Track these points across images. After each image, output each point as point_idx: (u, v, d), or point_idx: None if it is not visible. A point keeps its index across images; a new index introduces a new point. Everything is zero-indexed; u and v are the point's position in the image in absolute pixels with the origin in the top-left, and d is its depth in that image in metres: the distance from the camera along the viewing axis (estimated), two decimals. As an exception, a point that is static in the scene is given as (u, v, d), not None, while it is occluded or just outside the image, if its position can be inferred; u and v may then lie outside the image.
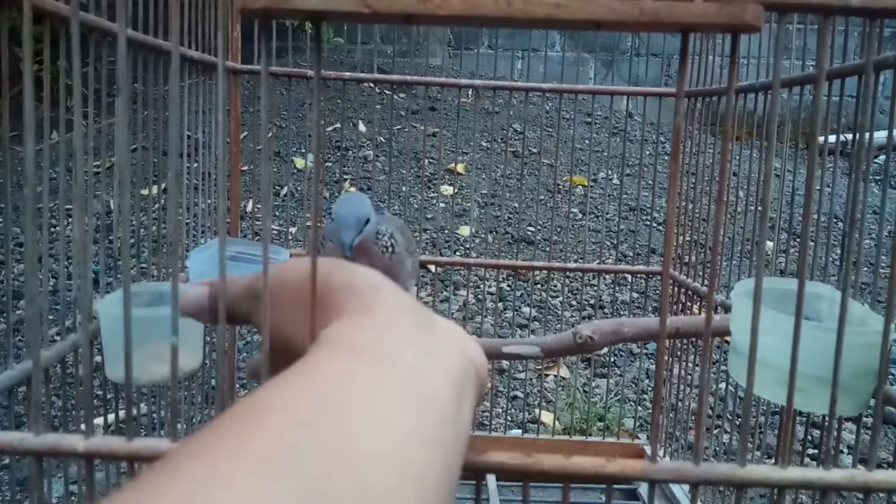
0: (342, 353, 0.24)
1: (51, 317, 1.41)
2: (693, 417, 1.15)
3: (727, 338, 0.64)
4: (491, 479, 1.08)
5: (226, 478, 0.17)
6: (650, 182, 2.36)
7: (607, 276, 1.81)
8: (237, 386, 1.33)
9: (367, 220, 0.74)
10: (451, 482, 0.22)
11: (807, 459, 1.36)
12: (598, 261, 2.05)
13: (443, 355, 0.26)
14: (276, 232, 2.22)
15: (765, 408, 1.01)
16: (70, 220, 0.73)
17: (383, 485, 0.19)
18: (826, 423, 0.39)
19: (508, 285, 2.16)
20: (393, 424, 0.21)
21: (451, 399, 0.24)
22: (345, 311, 0.27)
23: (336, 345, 0.24)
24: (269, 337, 0.29)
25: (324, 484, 0.18)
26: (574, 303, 2.00)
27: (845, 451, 1.42)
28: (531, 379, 1.76)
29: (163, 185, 1.23)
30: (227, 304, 0.31)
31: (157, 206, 0.88)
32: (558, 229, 2.21)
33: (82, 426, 0.29)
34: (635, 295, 2.06)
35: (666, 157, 2.42)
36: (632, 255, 2.24)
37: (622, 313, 1.98)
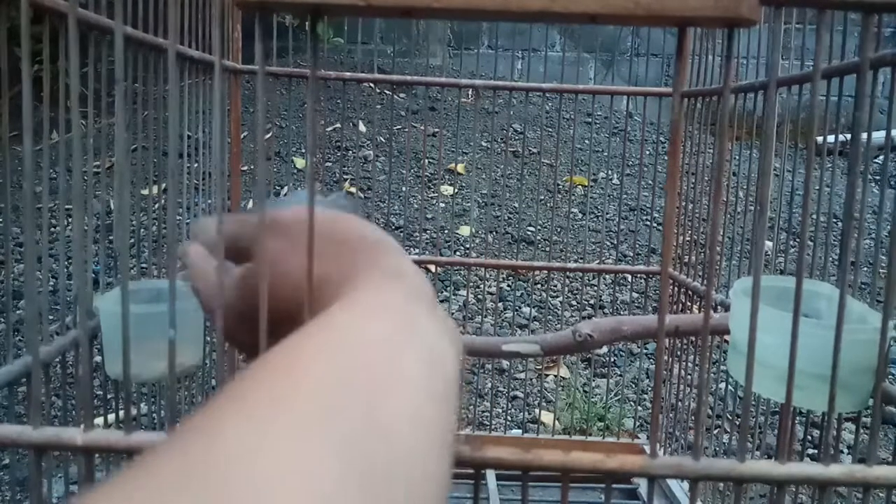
0: (376, 314, 0.25)
1: (51, 316, 1.41)
2: (693, 417, 1.15)
3: (727, 337, 0.64)
4: (490, 478, 1.08)
5: (272, 437, 0.17)
6: (650, 182, 2.36)
7: (607, 276, 1.81)
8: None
9: None
10: (451, 438, 0.24)
11: (806, 459, 1.36)
12: (598, 261, 2.05)
13: (447, 328, 0.27)
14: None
15: (764, 407, 1.01)
16: (70, 219, 0.73)
17: (404, 437, 0.20)
18: (825, 421, 0.39)
19: (508, 285, 2.16)
20: (414, 387, 0.22)
21: (453, 364, 0.26)
22: (377, 266, 0.28)
23: (370, 303, 0.26)
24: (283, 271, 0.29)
25: (359, 440, 0.18)
26: (574, 303, 2.00)
27: (845, 450, 1.42)
28: (531, 379, 1.76)
29: (163, 185, 1.24)
30: (235, 236, 0.31)
31: (157, 205, 0.89)
32: (558, 229, 2.21)
33: (82, 423, 0.29)
34: (635, 295, 2.06)
35: (666, 157, 2.42)
36: (632, 255, 2.24)
37: (622, 313, 1.98)
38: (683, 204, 1.15)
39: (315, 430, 0.18)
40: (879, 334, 0.37)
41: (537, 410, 1.60)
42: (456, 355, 0.26)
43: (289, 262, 0.29)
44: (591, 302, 2.06)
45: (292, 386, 0.20)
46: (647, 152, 2.66)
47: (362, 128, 2.80)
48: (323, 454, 0.17)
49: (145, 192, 0.84)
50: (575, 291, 1.96)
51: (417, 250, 1.32)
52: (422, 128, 2.02)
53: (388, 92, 2.60)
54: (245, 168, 2.22)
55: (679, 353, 1.13)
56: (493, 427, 1.46)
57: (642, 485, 1.14)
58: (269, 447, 0.17)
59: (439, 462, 0.21)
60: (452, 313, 1.78)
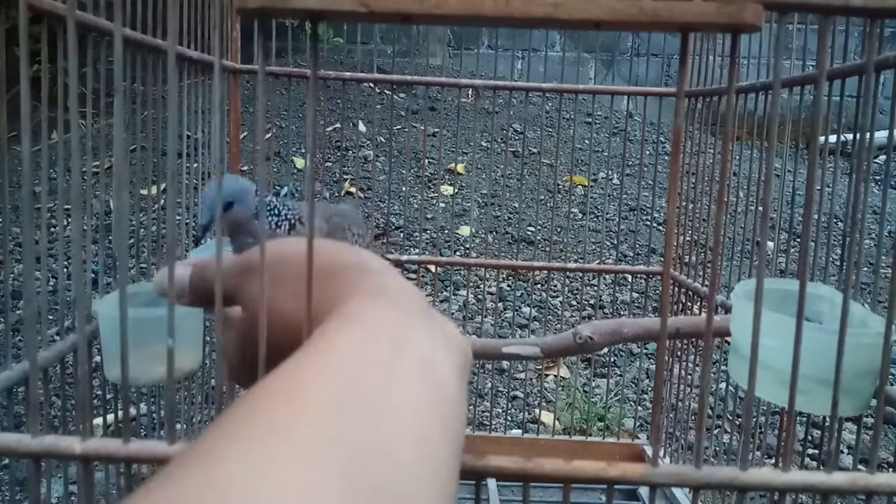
0: (367, 335, 0.24)
1: (51, 317, 1.41)
2: (693, 417, 1.15)
3: (727, 338, 0.64)
4: (491, 480, 1.08)
5: (274, 461, 0.17)
6: (650, 182, 2.36)
7: (607, 276, 1.81)
8: (237, 386, 1.33)
9: (231, 204, 0.75)
10: (457, 460, 0.24)
11: (807, 459, 1.36)
12: (598, 261, 2.05)
13: (448, 343, 0.27)
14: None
15: (765, 408, 1.01)
16: (69, 219, 0.73)
17: (406, 463, 0.20)
18: (827, 424, 0.38)
19: (508, 285, 2.16)
20: (412, 407, 0.22)
21: (457, 384, 0.25)
22: (359, 289, 0.28)
23: (359, 324, 0.25)
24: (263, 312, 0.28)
25: (361, 466, 0.18)
26: (574, 303, 2.00)
27: (846, 451, 1.42)
28: (531, 379, 1.76)
29: (162, 186, 1.23)
30: (211, 283, 0.31)
31: (156, 206, 0.88)
32: (558, 229, 2.21)
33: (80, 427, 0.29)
34: (635, 295, 2.06)
35: (666, 157, 2.42)
36: (632, 255, 2.23)
37: (622, 313, 1.98)
38: (684, 204, 1.15)
39: (317, 455, 0.18)
40: (881, 338, 0.37)
41: (537, 410, 1.60)
42: (454, 362, 0.26)
43: (274, 301, 0.29)
44: (591, 302, 2.06)
45: (293, 411, 0.19)
46: (647, 152, 2.66)
47: (362, 128, 2.80)
48: (326, 479, 0.17)
49: (145, 192, 0.84)
50: (575, 291, 1.96)
51: (417, 250, 1.31)
52: (422, 128, 2.02)
53: (388, 92, 2.60)
54: (245, 168, 2.21)
55: (679, 353, 1.13)
56: (493, 427, 1.46)
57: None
58: (273, 473, 0.17)
59: (444, 480, 0.21)
60: (452, 313, 1.78)
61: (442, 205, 2.33)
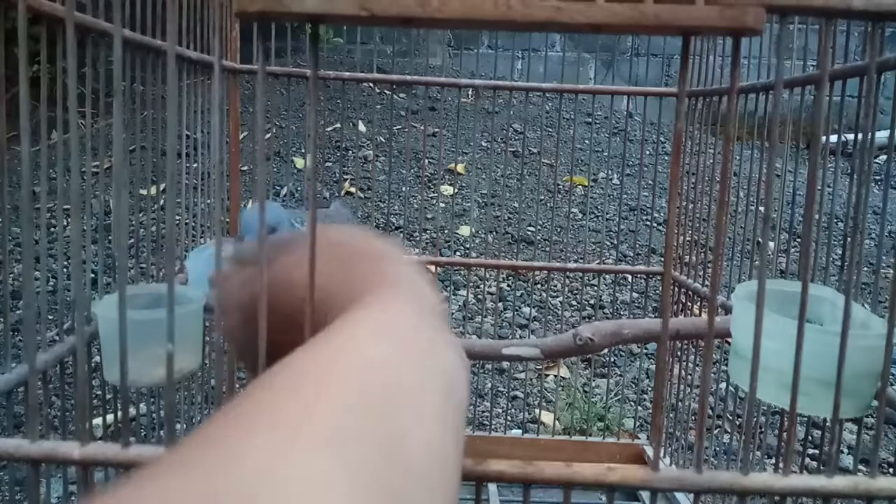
0: (387, 331, 0.25)
1: (50, 317, 1.41)
2: (693, 418, 1.15)
3: (727, 338, 0.64)
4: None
5: (286, 456, 0.17)
6: (650, 182, 2.36)
7: (607, 277, 1.81)
8: (237, 386, 1.33)
9: (274, 230, 0.78)
10: (460, 466, 0.24)
11: (807, 460, 1.36)
12: (598, 261, 2.05)
13: (458, 350, 0.27)
14: (275, 232, 2.22)
15: (765, 408, 1.00)
16: (69, 219, 0.73)
17: (419, 465, 0.20)
18: (828, 426, 0.38)
19: (508, 285, 2.16)
20: (428, 412, 0.22)
21: (465, 388, 0.26)
22: (384, 279, 0.28)
23: (381, 320, 0.25)
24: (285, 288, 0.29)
25: (375, 466, 0.18)
26: (574, 303, 2.00)
27: (846, 451, 1.41)
28: (531, 379, 1.76)
29: (162, 186, 1.23)
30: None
31: (156, 206, 0.88)
32: (558, 229, 2.21)
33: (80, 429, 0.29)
34: (635, 295, 2.06)
35: (666, 157, 2.42)
36: (632, 255, 2.23)
37: (622, 313, 1.98)
38: (684, 204, 1.15)
39: (330, 452, 0.18)
40: (882, 340, 0.37)
41: (537, 410, 1.60)
42: (467, 378, 0.26)
43: (293, 274, 0.29)
44: (591, 302, 2.06)
45: (305, 406, 0.19)
46: (647, 152, 2.66)
47: (362, 128, 2.80)
48: (338, 477, 0.17)
49: (144, 192, 0.84)
50: (575, 291, 1.96)
51: (417, 250, 1.31)
52: (422, 128, 2.02)
53: (387, 92, 2.60)
54: (245, 168, 2.21)
55: (679, 353, 1.13)
56: (493, 427, 1.46)
57: (642, 486, 1.13)
58: (285, 468, 0.17)
59: (453, 488, 0.21)
60: (452, 313, 1.78)
61: (442, 205, 2.33)
